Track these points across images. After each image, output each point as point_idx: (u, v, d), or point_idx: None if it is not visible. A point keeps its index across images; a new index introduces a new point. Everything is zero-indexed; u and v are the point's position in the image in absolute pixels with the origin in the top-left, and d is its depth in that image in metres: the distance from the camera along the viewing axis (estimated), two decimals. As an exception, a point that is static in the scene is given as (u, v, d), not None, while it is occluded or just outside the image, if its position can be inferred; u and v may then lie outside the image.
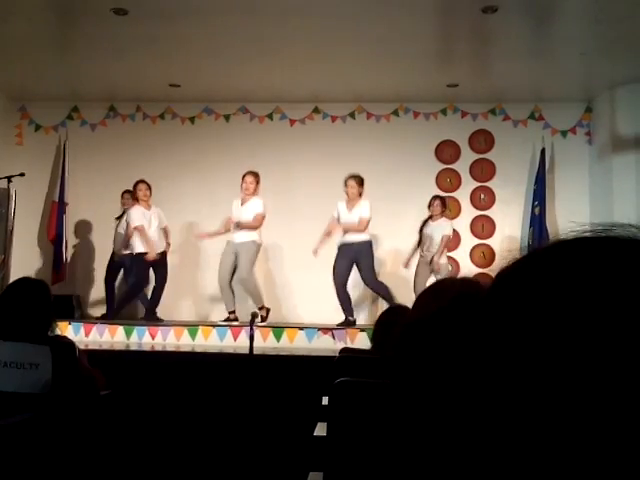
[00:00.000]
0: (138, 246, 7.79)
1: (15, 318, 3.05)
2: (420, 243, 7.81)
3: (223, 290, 7.59)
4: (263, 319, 7.41)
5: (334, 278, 7.43)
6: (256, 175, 7.58)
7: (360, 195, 7.44)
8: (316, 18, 6.42)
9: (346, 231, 7.40)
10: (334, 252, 8.11)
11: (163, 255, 7.98)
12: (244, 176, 7.58)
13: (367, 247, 7.41)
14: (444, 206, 7.94)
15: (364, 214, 7.35)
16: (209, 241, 8.59)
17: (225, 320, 7.45)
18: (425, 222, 7.85)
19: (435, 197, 8.02)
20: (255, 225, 7.45)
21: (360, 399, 1.90)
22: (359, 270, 7.48)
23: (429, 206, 7.88)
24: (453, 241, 8.30)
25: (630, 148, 8.08)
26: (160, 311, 8.02)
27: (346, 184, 7.47)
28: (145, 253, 7.76)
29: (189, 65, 7.79)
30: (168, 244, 8.16)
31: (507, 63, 7.55)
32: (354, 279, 7.67)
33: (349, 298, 7.48)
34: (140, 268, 7.84)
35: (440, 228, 7.77)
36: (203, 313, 8.73)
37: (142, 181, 7.90)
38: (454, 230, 8.25)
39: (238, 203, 7.61)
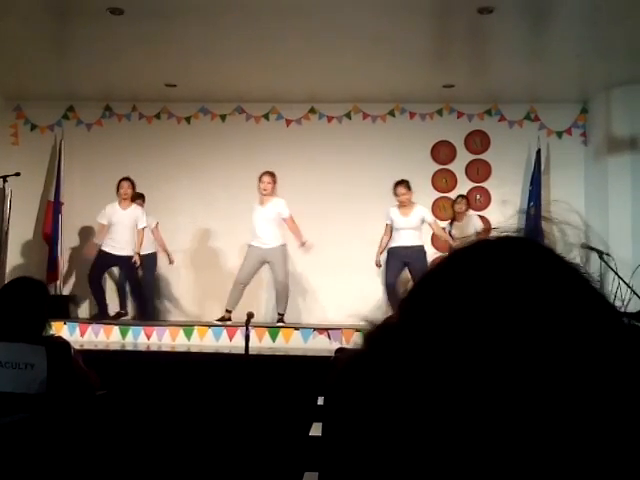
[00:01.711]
0: (105, 243, 7.81)
1: (12, 318, 3.04)
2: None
3: (236, 288, 7.53)
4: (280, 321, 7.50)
5: (386, 280, 7.47)
6: (273, 175, 7.56)
7: (410, 200, 7.53)
8: (312, 19, 6.42)
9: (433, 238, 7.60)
10: (332, 252, 8.13)
11: (129, 258, 7.74)
12: (261, 176, 7.55)
13: (422, 253, 7.44)
14: (469, 204, 8.18)
15: (429, 218, 7.56)
16: (205, 241, 8.62)
17: (220, 319, 7.42)
18: (452, 224, 7.92)
19: (460, 196, 8.22)
20: (298, 229, 7.55)
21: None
22: (411, 273, 7.47)
23: (453, 206, 8.01)
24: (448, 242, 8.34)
25: (625, 149, 8.09)
26: (164, 312, 8.03)
27: (396, 191, 7.52)
28: (108, 253, 7.76)
29: (185, 65, 7.78)
30: (137, 253, 7.79)
31: (503, 64, 7.56)
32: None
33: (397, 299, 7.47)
34: (100, 264, 7.88)
35: (470, 224, 7.91)
36: (200, 312, 8.71)
37: (125, 178, 7.90)
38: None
39: (257, 206, 7.57)
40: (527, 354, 0.47)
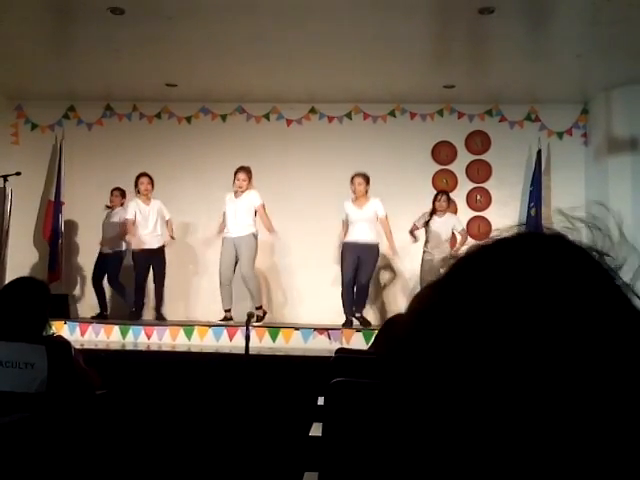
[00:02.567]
0: (136, 242, 7.83)
1: (12, 317, 3.04)
2: (426, 239, 7.82)
3: (223, 287, 7.54)
4: (259, 319, 7.38)
5: (342, 276, 7.41)
6: (248, 171, 7.53)
7: (366, 193, 7.45)
8: (313, 19, 6.42)
9: (356, 230, 7.36)
10: (331, 252, 8.12)
11: (160, 250, 7.99)
12: (236, 172, 7.53)
13: (375, 249, 7.42)
14: (449, 201, 8.00)
15: (381, 212, 7.43)
16: (206, 240, 8.63)
17: (223, 319, 7.44)
18: (430, 218, 7.86)
19: (441, 192, 8.07)
20: (267, 218, 7.49)
21: (356, 399, 1.90)
22: (358, 267, 7.43)
23: (434, 201, 7.94)
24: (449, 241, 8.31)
25: (626, 150, 8.09)
26: (165, 312, 8.07)
27: (352, 182, 7.47)
28: (143, 249, 7.80)
29: (186, 65, 7.78)
30: (171, 237, 8.14)
31: (504, 64, 7.56)
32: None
33: (353, 298, 7.45)
34: (140, 264, 7.90)
35: (448, 224, 7.81)
36: (199, 312, 8.70)
37: (145, 174, 7.95)
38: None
39: (231, 196, 7.56)
40: (550, 347, 0.48)
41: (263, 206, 7.50)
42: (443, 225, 7.79)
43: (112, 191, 8.46)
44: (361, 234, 7.34)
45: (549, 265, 0.53)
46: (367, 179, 7.45)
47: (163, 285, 8.05)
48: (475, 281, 0.54)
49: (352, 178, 7.48)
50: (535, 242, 0.56)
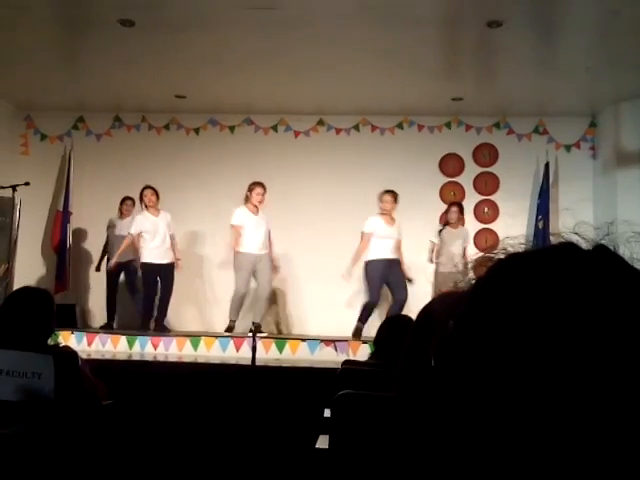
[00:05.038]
0: (146, 255, 7.79)
1: (18, 327, 3.05)
2: (438, 251, 7.79)
3: (239, 299, 7.56)
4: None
5: (370, 293, 7.38)
6: (264, 186, 7.67)
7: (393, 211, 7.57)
8: (321, 31, 6.45)
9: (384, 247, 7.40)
10: (340, 265, 8.09)
11: (170, 265, 7.89)
12: (254, 187, 7.60)
13: (399, 264, 7.48)
14: (462, 213, 7.98)
15: (400, 236, 7.57)
16: (212, 251, 8.64)
17: (227, 329, 7.45)
18: (442, 228, 7.86)
19: (452, 204, 8.06)
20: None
21: (362, 412, 1.90)
22: (389, 285, 7.47)
23: (446, 212, 7.94)
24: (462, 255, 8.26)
25: (634, 163, 8.08)
26: (172, 322, 8.05)
27: (382, 199, 7.54)
28: (151, 263, 7.76)
29: (194, 76, 7.82)
30: (175, 255, 8.04)
31: (512, 77, 7.56)
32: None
33: (370, 314, 7.42)
34: (148, 277, 7.86)
35: (459, 236, 7.79)
36: (205, 323, 8.71)
37: (148, 187, 7.91)
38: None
39: (246, 211, 7.60)
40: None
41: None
42: (455, 237, 7.75)
43: (124, 200, 8.47)
44: (385, 251, 7.40)
45: (596, 275, 0.53)
46: (396, 197, 7.58)
47: (169, 300, 7.98)
48: (521, 293, 0.54)
49: (381, 195, 7.59)
50: (580, 252, 0.56)
